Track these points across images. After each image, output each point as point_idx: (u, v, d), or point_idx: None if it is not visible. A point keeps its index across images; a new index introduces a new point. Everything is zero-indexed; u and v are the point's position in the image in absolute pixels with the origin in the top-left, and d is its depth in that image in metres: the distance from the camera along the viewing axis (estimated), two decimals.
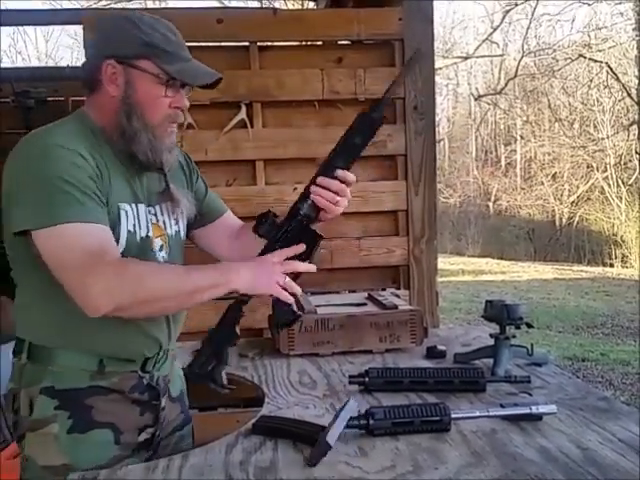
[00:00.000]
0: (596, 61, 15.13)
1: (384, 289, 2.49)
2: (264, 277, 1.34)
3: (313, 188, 1.40)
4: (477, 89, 19.38)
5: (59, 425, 1.34)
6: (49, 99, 4.31)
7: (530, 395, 1.59)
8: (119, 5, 10.91)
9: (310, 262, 1.42)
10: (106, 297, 1.22)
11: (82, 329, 1.34)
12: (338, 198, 1.40)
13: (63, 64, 13.63)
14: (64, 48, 17.26)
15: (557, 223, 17.08)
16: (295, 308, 1.41)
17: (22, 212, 1.26)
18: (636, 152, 14.02)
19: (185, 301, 1.33)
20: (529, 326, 1.85)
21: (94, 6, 10.24)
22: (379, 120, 1.42)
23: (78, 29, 12.45)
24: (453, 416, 1.36)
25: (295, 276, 1.40)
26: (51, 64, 15.71)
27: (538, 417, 1.40)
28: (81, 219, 1.24)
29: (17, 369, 1.39)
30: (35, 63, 16.91)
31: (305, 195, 1.42)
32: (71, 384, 1.36)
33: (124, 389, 1.42)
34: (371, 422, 1.33)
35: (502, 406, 1.44)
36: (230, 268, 1.36)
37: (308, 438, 1.28)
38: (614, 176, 15.35)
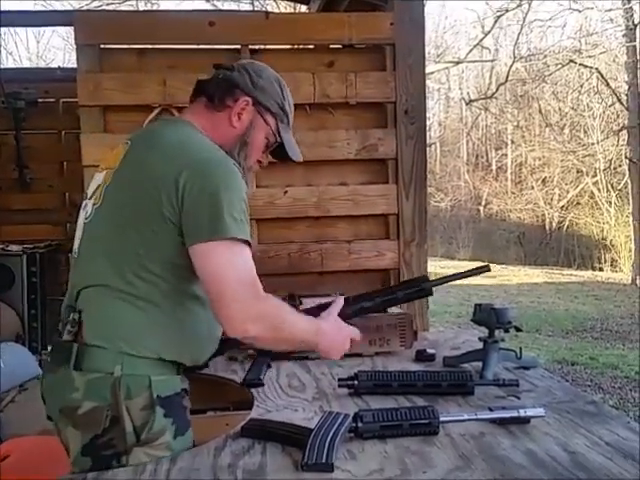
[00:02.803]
0: (586, 67, 15.21)
1: None
2: (339, 350, 1.58)
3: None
4: (468, 94, 19.47)
5: (169, 433, 1.36)
6: (40, 100, 4.30)
7: (518, 398, 1.60)
8: (110, 7, 10.91)
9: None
10: (255, 327, 1.34)
11: (185, 341, 1.43)
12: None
13: (54, 65, 13.54)
14: (55, 49, 17.19)
15: (547, 227, 17.17)
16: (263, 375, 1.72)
17: (227, 222, 1.32)
18: (625, 157, 14.10)
19: (288, 346, 1.53)
20: (518, 330, 1.86)
21: (85, 7, 10.23)
22: (428, 291, 1.66)
23: (69, 30, 12.40)
24: (442, 419, 1.36)
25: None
26: (42, 65, 15.66)
27: (526, 420, 1.41)
28: (249, 239, 1.37)
29: (108, 383, 1.33)
30: (26, 64, 16.85)
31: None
32: (171, 390, 1.39)
33: (188, 389, 1.47)
34: (360, 425, 1.33)
35: (490, 409, 1.45)
36: (323, 334, 1.52)
37: (297, 441, 1.28)
38: (604, 181, 15.45)
